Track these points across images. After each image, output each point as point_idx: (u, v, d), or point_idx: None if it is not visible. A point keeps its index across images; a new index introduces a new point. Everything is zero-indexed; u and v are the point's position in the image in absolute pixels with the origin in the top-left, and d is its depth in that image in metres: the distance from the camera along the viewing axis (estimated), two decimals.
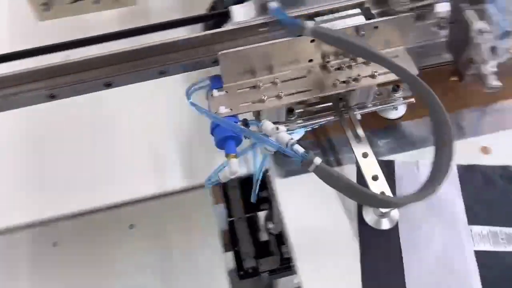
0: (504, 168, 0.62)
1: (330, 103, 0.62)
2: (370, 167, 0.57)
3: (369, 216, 0.57)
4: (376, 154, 0.64)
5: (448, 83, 0.64)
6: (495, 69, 0.55)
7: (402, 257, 0.55)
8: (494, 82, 0.53)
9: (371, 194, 0.50)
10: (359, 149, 0.59)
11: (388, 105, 0.63)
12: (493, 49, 0.54)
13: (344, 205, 0.60)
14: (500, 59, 0.55)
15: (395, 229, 0.57)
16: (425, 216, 0.58)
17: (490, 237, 0.56)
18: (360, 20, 0.54)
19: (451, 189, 0.60)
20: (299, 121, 0.62)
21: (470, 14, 0.55)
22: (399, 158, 0.64)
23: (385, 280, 0.54)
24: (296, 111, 0.61)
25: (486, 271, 0.54)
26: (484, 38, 0.54)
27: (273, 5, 0.50)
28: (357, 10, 0.54)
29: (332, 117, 0.62)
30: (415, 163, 0.62)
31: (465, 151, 0.62)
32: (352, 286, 0.54)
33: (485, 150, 0.64)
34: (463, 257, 0.55)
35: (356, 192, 0.49)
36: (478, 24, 0.54)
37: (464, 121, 0.67)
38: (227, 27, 0.53)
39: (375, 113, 0.66)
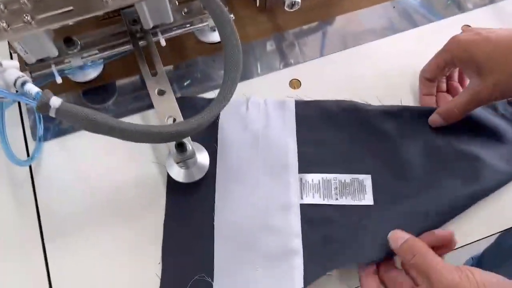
0: (342, 102, 0.51)
1: (124, 28, 0.48)
2: (166, 107, 0.45)
3: (174, 170, 0.45)
4: (200, 90, 0.52)
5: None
6: None
7: (213, 216, 0.45)
8: None
9: (140, 129, 0.36)
10: (154, 85, 0.46)
11: (201, 25, 0.50)
12: None
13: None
14: None
15: (209, 182, 0.46)
16: (250, 163, 0.47)
17: (322, 187, 0.46)
18: None
19: (284, 129, 0.49)
20: (88, 53, 0.48)
21: None
22: None
23: (187, 243, 0.44)
24: (81, 41, 0.47)
25: (309, 229, 0.44)
26: None
27: None
28: None
29: (128, 46, 0.48)
30: (245, 101, 0.50)
31: (275, 87, 0.52)
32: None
33: (294, 84, 0.53)
34: (286, 212, 0.44)
35: (122, 132, 0.36)
36: None
37: (276, 50, 0.56)
38: None
39: (193, 37, 0.54)
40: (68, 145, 0.49)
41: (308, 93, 0.52)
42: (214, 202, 0.45)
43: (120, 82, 0.54)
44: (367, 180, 0.46)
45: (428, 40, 0.54)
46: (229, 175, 0.46)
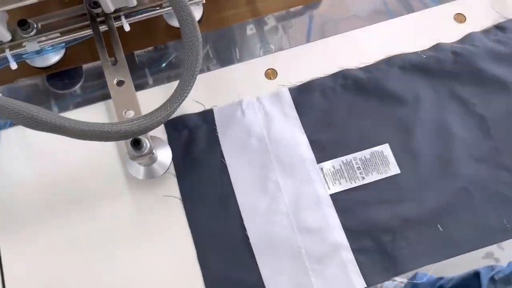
0: (338, 74, 0.48)
1: (84, 10, 0.45)
2: (125, 99, 0.42)
3: (133, 167, 0.43)
4: (173, 76, 0.49)
5: None
6: None
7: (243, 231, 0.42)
8: None
9: (84, 128, 0.34)
10: (113, 74, 0.42)
11: (166, 9, 0.46)
12: None
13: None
14: None
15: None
16: (265, 169, 0.44)
17: (345, 171, 0.44)
18: None
19: (288, 123, 0.46)
20: (46, 37, 0.44)
21: None
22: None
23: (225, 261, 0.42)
24: (37, 23, 0.44)
25: (348, 217, 0.42)
26: None
27: None
28: None
29: (88, 31, 0.45)
30: (237, 105, 0.47)
31: (250, 78, 0.49)
32: None
33: (270, 74, 0.49)
34: (318, 207, 0.42)
35: (65, 130, 0.34)
36: None
37: (255, 35, 0.52)
38: None
39: (164, 21, 0.50)
40: (26, 134, 0.47)
41: (287, 81, 0.48)
42: (243, 221, 0.42)
43: (87, 66, 0.50)
44: (386, 149, 0.45)
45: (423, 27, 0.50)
46: (248, 188, 0.43)
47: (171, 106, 0.36)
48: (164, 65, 0.50)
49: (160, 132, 0.46)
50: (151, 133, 0.44)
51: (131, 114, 0.41)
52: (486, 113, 0.46)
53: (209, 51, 0.51)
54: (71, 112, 0.47)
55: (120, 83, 0.42)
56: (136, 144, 0.39)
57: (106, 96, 0.48)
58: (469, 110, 0.47)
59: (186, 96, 0.36)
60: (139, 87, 0.47)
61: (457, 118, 0.46)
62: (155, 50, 0.51)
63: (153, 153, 0.40)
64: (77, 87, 0.49)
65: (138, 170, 0.42)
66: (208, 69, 0.50)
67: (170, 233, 0.43)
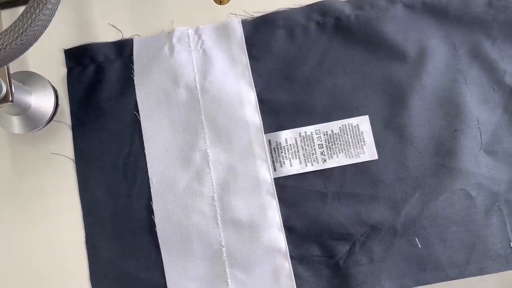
0: (315, 6, 0.34)
1: None
2: None
3: (3, 118, 0.31)
4: None
5: None
6: None
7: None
8: None
9: None
10: None
11: None
12: None
13: None
14: None
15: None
16: (190, 133, 0.32)
17: (301, 148, 0.32)
18: None
19: (233, 70, 0.33)
20: None
21: None
22: None
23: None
24: None
25: (293, 213, 0.31)
26: None
27: None
28: None
29: None
30: (165, 38, 0.33)
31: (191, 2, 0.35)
32: None
33: None
34: (254, 194, 0.31)
35: None
36: None
37: None
38: None
39: None
40: None
41: (242, 10, 0.34)
42: (151, 200, 0.32)
43: None
44: (364, 123, 0.33)
45: None
46: (165, 156, 0.32)
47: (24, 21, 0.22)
48: None
49: (59, 64, 0.33)
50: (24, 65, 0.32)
51: None
52: None
53: None
54: None
55: None
56: None
57: None
58: (495, 78, 0.33)
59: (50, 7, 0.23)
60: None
61: (475, 89, 0.33)
62: None
63: (12, 100, 0.27)
64: None
65: (11, 121, 0.30)
66: None
67: (56, 203, 0.33)
